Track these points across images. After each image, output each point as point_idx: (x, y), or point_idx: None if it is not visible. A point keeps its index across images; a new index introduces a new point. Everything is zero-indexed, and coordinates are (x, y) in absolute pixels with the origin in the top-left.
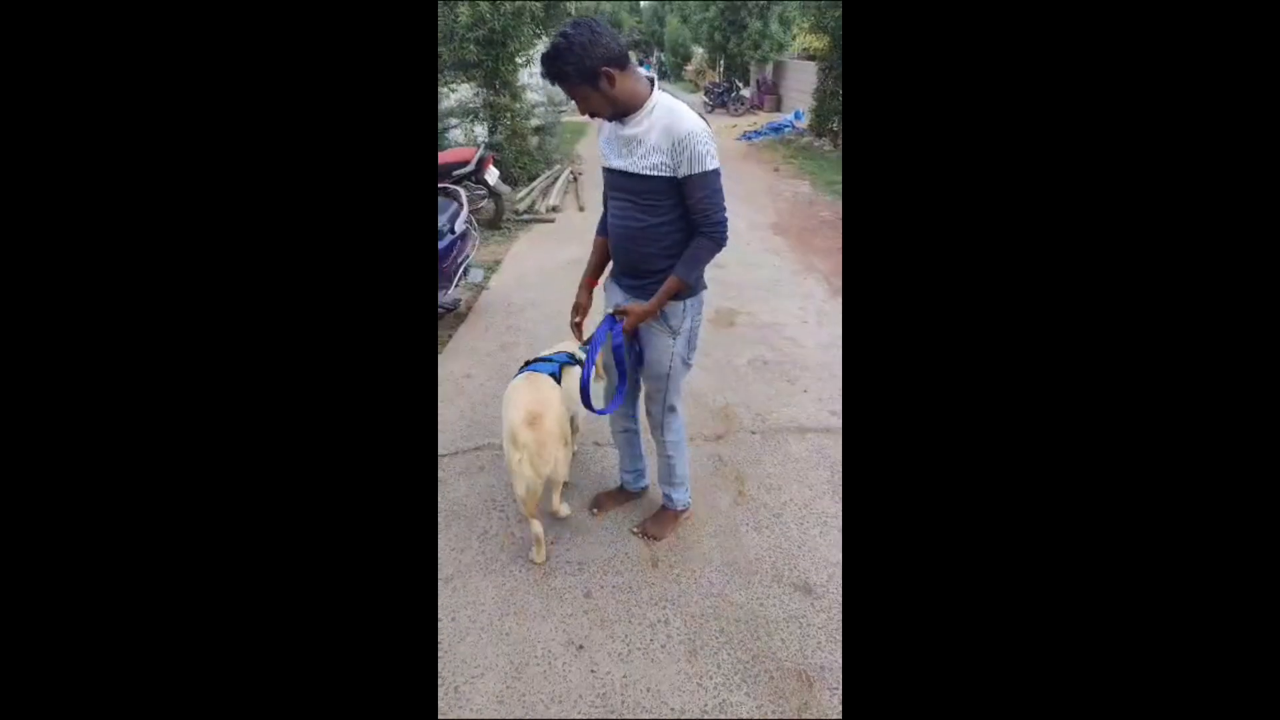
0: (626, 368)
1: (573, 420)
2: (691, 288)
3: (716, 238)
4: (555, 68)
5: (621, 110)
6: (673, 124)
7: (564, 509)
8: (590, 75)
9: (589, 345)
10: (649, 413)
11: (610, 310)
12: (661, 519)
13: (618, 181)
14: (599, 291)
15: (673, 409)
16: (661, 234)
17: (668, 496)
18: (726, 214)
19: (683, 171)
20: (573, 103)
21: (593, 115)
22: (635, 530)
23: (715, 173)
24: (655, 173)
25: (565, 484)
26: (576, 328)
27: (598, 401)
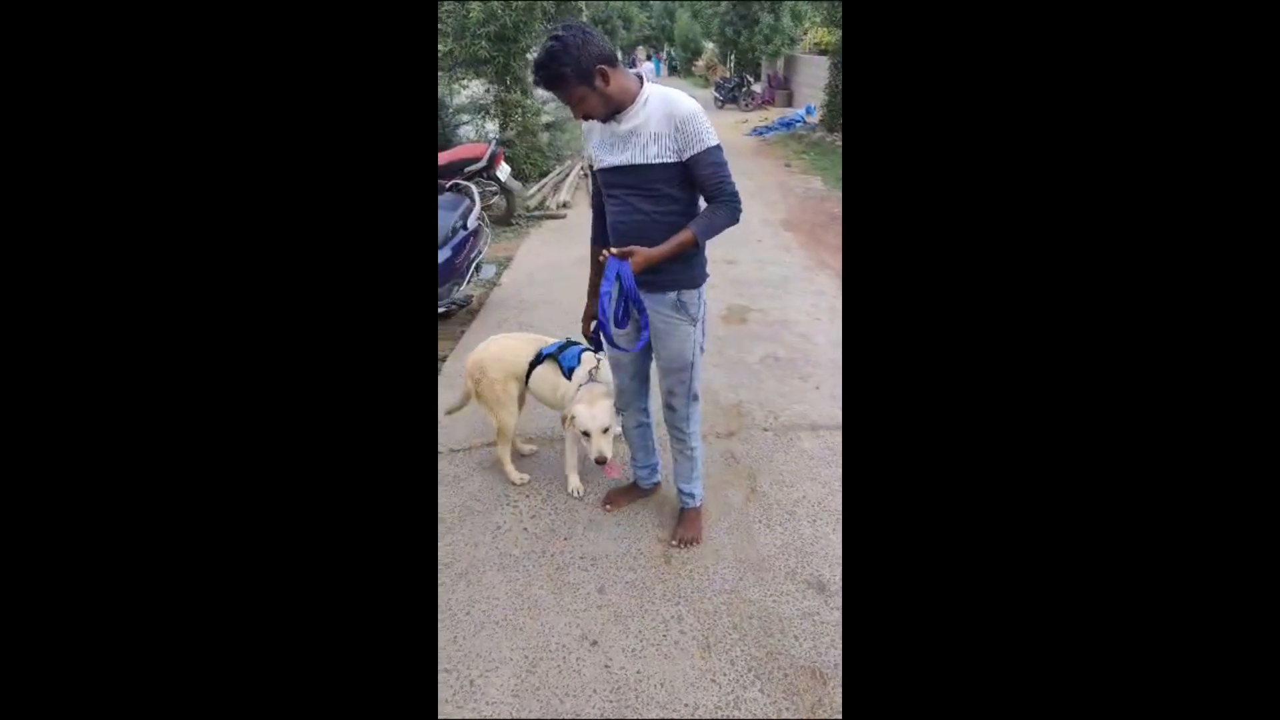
0: (645, 307)
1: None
2: (698, 252)
3: (733, 208)
4: (551, 71)
5: (616, 107)
6: (672, 109)
7: (514, 474)
8: (587, 75)
9: (601, 306)
10: (671, 407)
11: (611, 252)
12: (691, 521)
13: (618, 179)
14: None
15: (696, 397)
16: (671, 222)
17: (690, 494)
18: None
19: (688, 153)
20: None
21: (587, 117)
22: (674, 543)
23: (718, 148)
24: (660, 159)
25: (504, 440)
26: (592, 333)
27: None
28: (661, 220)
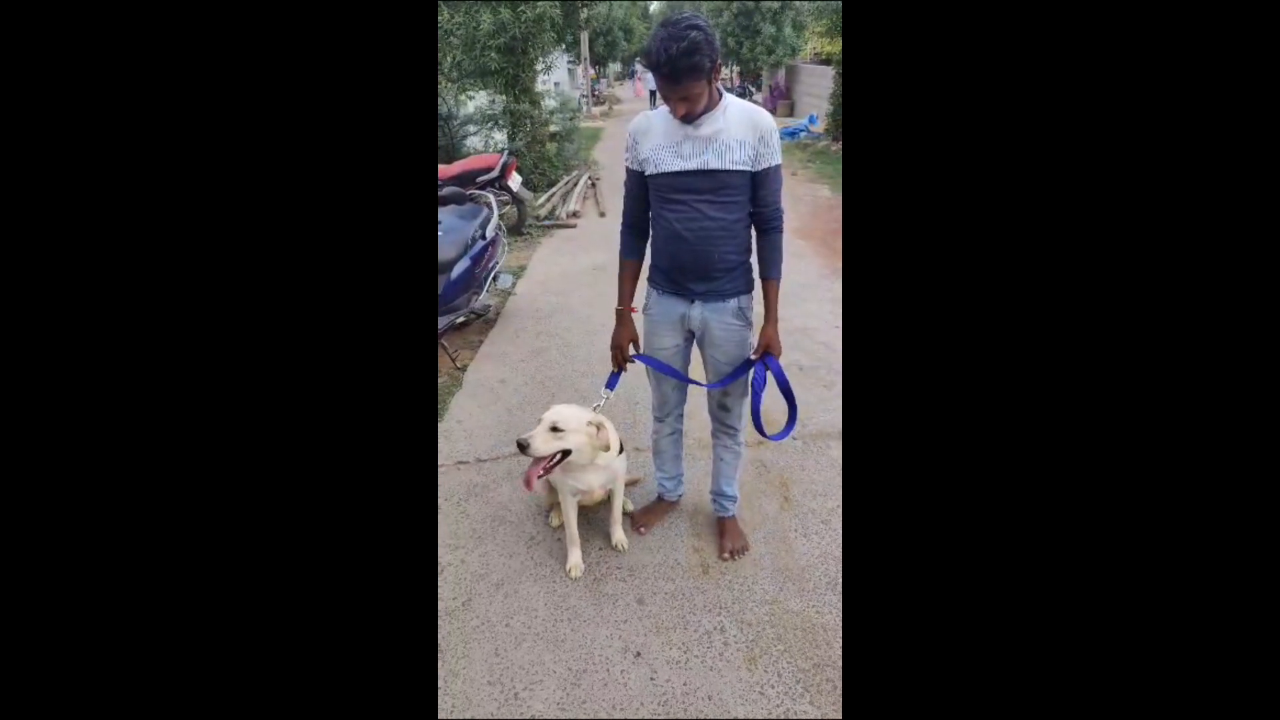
0: (795, 399)
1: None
2: (749, 258)
3: (780, 230)
4: (691, 61)
5: (706, 108)
6: (756, 119)
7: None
8: (712, 70)
9: (754, 382)
10: (726, 407)
11: (755, 356)
12: (734, 530)
13: (689, 183)
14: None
15: (746, 393)
16: (737, 230)
17: (730, 499)
18: None
19: (762, 164)
20: (587, 109)
21: (684, 115)
22: (725, 556)
23: (780, 166)
24: (738, 166)
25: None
26: (624, 362)
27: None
28: (733, 228)
